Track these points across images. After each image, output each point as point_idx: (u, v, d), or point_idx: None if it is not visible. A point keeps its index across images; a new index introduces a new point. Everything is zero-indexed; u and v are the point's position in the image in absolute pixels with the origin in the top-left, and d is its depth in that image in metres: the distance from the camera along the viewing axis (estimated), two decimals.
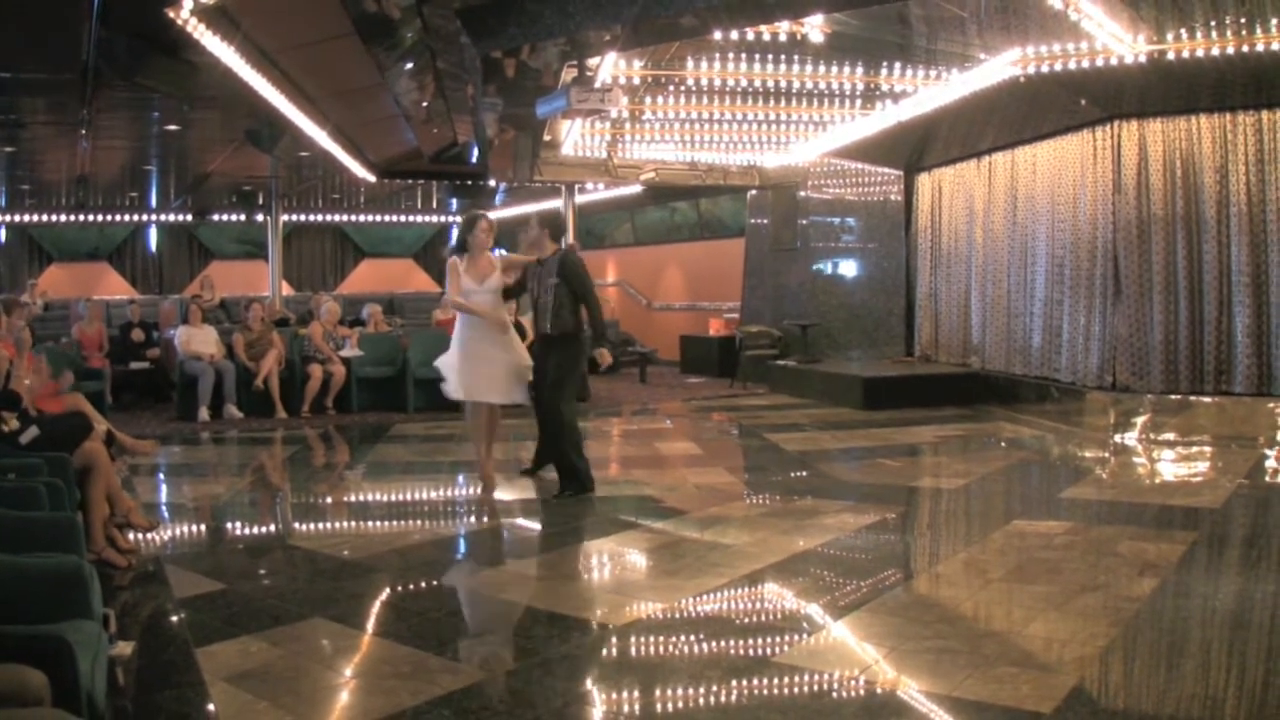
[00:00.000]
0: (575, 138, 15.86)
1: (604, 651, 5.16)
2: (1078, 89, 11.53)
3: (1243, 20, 9.77)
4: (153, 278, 26.79)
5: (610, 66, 10.85)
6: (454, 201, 25.47)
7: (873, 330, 17.27)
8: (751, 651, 5.04)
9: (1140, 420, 11.57)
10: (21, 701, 2.92)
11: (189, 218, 25.11)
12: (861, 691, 4.53)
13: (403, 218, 28.34)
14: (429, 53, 9.30)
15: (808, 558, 6.76)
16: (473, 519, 8.60)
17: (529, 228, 9.30)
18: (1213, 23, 9.89)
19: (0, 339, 7.81)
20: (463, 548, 7.64)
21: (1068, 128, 12.88)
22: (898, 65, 11.85)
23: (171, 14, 8.17)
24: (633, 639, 5.26)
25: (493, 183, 18.94)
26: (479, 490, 9.18)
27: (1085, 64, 10.56)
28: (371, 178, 16.98)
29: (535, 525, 8.20)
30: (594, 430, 12.51)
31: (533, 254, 9.26)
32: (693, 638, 5.28)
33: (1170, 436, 11.30)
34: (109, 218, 24.91)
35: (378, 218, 28.04)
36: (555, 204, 19.38)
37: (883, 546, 7.32)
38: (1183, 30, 10.05)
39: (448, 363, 9.21)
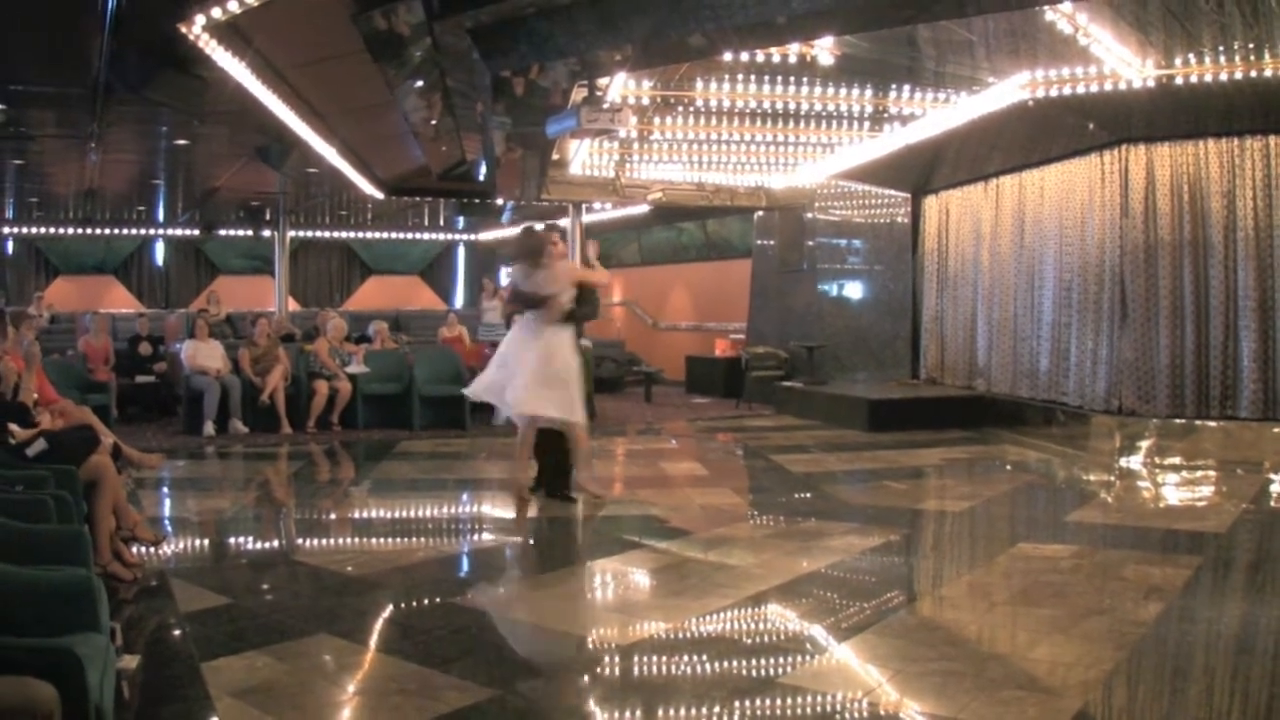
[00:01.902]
0: (583, 157, 15.90)
1: (609, 671, 5.15)
2: (1086, 113, 11.55)
3: (1251, 45, 9.80)
4: (159, 292, 26.87)
5: (620, 86, 10.88)
6: (460, 220, 25.54)
7: (879, 352, 17.26)
8: (756, 672, 5.03)
9: (1146, 444, 11.55)
10: (31, 715, 2.93)
11: (196, 232, 25.19)
12: (866, 713, 4.52)
13: (410, 235, 28.41)
14: (439, 71, 9.33)
15: (813, 579, 6.75)
16: (477, 537, 8.61)
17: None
18: (1221, 48, 9.92)
19: (9, 352, 7.80)
20: (467, 566, 7.63)
21: (1075, 151, 12.89)
22: (906, 88, 11.90)
23: (184, 29, 8.21)
24: (638, 658, 5.25)
25: (500, 201, 18.97)
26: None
27: (1093, 88, 10.58)
28: (379, 194, 17.03)
29: (540, 544, 8.21)
30: (599, 449, 12.47)
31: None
32: (698, 658, 5.27)
33: (1176, 461, 11.28)
34: (116, 231, 25.00)
35: (385, 235, 28.12)
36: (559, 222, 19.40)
37: (888, 569, 7.32)
38: (1191, 55, 10.08)
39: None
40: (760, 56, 10.44)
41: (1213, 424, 11.54)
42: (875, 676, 4.92)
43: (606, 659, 5.32)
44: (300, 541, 8.17)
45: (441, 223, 26.74)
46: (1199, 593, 6.38)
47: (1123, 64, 10.17)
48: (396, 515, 9.25)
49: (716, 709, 4.53)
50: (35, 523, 4.67)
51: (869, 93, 11.96)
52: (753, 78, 11.46)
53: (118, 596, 6.14)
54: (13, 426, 6.74)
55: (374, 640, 5.62)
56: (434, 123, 11.49)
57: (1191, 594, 6.29)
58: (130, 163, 16.33)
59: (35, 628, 3.57)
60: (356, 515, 9.33)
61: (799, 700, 4.67)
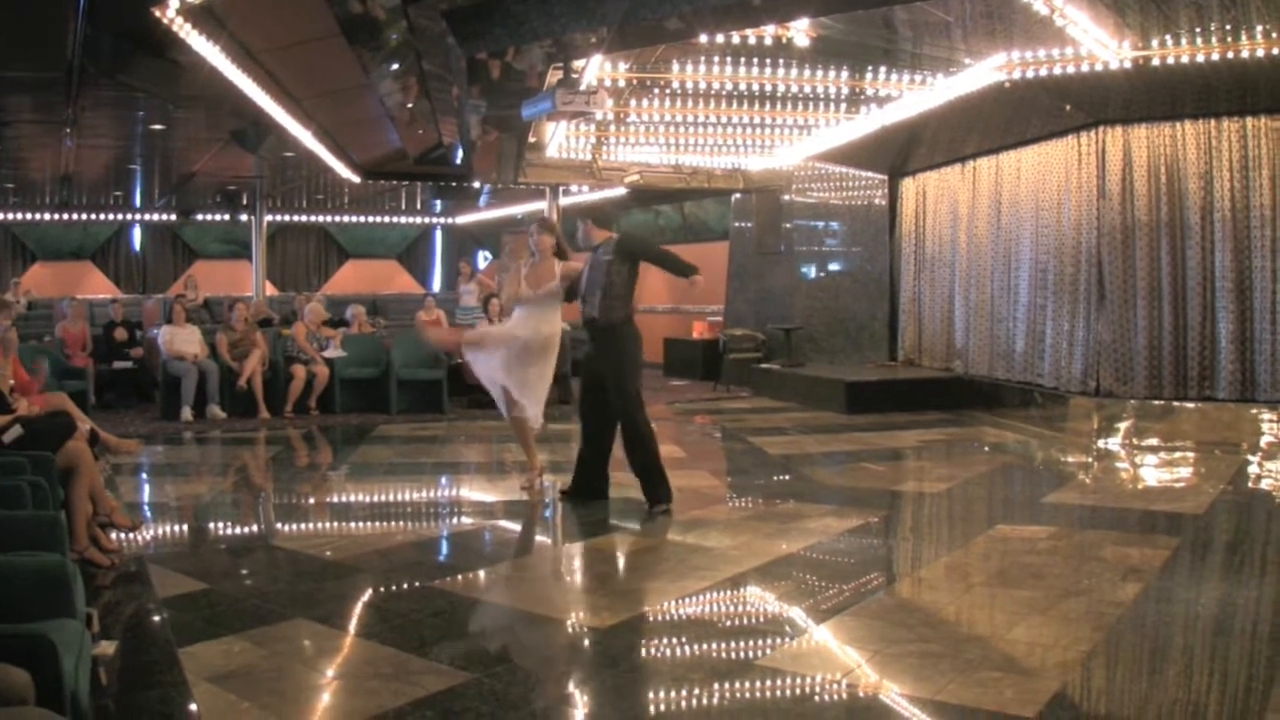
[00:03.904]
0: (560, 140, 15.86)
1: (587, 653, 5.15)
2: (1062, 94, 11.57)
3: (1228, 26, 9.81)
4: (136, 277, 26.71)
5: (596, 69, 10.84)
6: (438, 203, 25.46)
7: (856, 334, 17.29)
8: (734, 654, 5.03)
9: (1123, 425, 11.61)
10: (5, 700, 2.91)
11: (173, 217, 25.08)
12: (844, 695, 4.53)
13: (387, 219, 28.33)
14: (414, 54, 9.30)
15: (791, 561, 6.76)
16: (455, 521, 8.60)
17: (581, 232, 8.68)
18: (1198, 29, 9.94)
19: None
20: (445, 549, 7.61)
21: (1052, 133, 12.92)
22: (883, 69, 11.88)
23: (158, 13, 8.15)
24: (615, 641, 5.25)
25: (477, 184, 18.93)
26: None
27: (1070, 69, 10.59)
28: (356, 178, 16.97)
29: (517, 527, 8.20)
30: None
31: (582, 257, 8.68)
32: (675, 640, 5.28)
33: (1153, 442, 11.34)
34: (93, 217, 24.87)
35: (362, 218, 28.02)
36: (548, 204, 19.36)
37: (866, 550, 7.33)
38: (1168, 36, 10.09)
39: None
40: (736, 38, 10.41)
41: (1190, 405, 11.61)
42: (853, 658, 4.93)
43: (583, 642, 5.32)
44: (278, 526, 8.14)
45: (419, 206, 26.65)
46: (1177, 574, 6.40)
47: (1099, 45, 10.18)
48: (374, 499, 9.22)
49: (694, 691, 4.54)
50: (11, 509, 4.66)
51: (845, 74, 11.93)
52: (729, 60, 11.43)
53: (95, 582, 6.11)
54: None
55: (351, 624, 5.61)
56: (410, 106, 11.46)
57: (1169, 575, 6.32)
58: (106, 148, 16.23)
59: (10, 613, 3.55)
60: (334, 499, 9.31)
61: (777, 682, 4.68)
